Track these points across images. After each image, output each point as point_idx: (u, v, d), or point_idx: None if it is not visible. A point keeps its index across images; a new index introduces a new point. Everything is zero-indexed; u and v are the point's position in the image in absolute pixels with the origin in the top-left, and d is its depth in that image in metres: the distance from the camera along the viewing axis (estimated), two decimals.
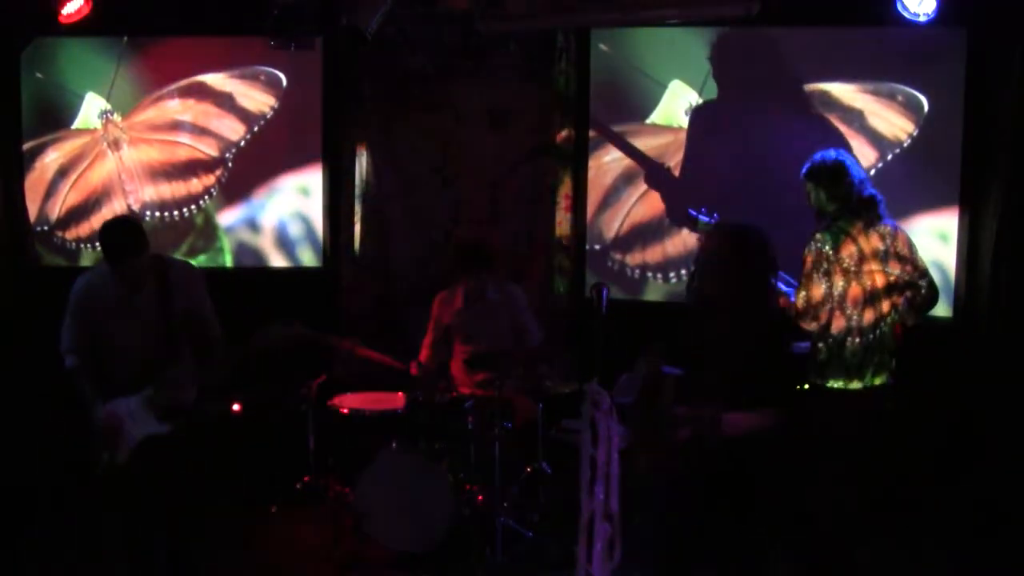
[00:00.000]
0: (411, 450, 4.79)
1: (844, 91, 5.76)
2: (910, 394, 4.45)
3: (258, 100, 6.43)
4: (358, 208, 6.32)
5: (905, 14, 5.23)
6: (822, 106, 5.77)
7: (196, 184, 6.50)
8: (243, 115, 6.44)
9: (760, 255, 3.43)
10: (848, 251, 4.03)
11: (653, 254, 6.16)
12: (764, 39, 5.81)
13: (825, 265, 4.03)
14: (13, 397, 5.83)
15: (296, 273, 6.42)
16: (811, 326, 4.06)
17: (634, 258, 6.17)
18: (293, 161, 6.44)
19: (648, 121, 6.05)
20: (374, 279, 6.35)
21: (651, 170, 6.07)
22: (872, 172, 5.61)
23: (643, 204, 6.14)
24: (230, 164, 6.47)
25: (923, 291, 4.10)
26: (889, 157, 5.73)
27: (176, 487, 3.91)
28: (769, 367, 3.28)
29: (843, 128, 5.76)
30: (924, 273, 4.11)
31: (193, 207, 6.50)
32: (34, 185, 6.51)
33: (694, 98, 5.96)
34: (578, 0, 5.58)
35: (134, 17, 6.13)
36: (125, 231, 3.84)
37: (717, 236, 3.62)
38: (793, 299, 4.13)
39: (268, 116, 6.42)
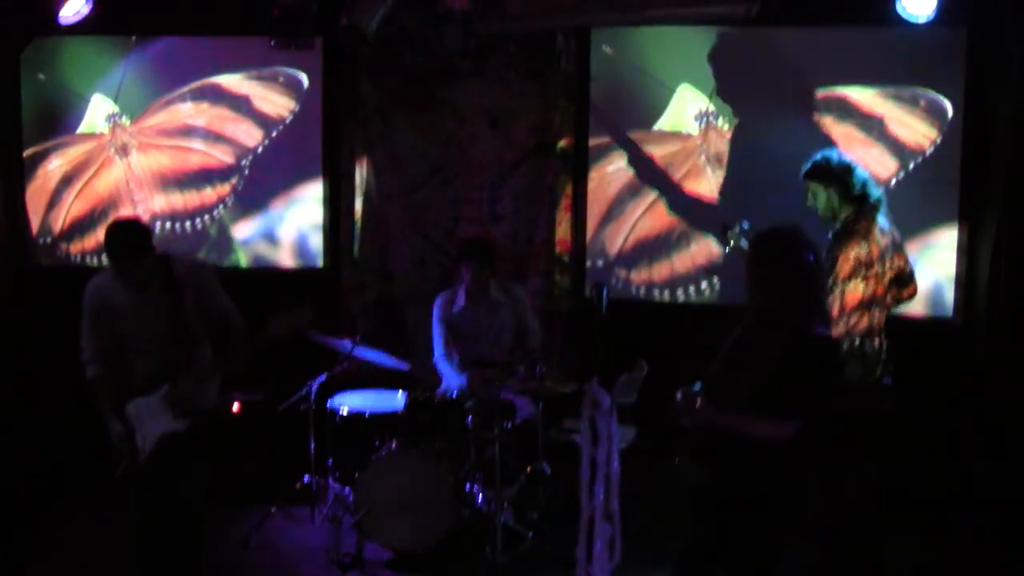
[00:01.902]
0: (411, 450, 4.79)
1: (863, 96, 5.58)
2: (910, 394, 4.46)
3: (277, 104, 6.14)
4: (358, 208, 6.32)
5: (904, 14, 5.22)
6: (840, 112, 5.61)
7: (210, 193, 6.21)
8: (261, 119, 6.14)
9: (788, 259, 3.15)
10: (876, 252, 4.06)
11: (660, 271, 5.95)
12: (767, 41, 5.74)
13: (864, 270, 4.02)
14: (12, 397, 5.83)
15: (299, 273, 6.34)
16: (839, 330, 3.96)
17: (639, 275, 5.97)
18: (310, 168, 6.20)
19: (655, 127, 5.92)
20: (374, 279, 6.35)
21: (659, 181, 5.87)
22: (893, 183, 5.52)
23: (649, 217, 5.95)
24: (246, 172, 6.18)
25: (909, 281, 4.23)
26: (911, 167, 5.55)
27: (189, 484, 3.92)
28: (794, 378, 3.05)
29: (861, 135, 5.58)
30: (908, 261, 4.27)
31: (207, 217, 6.23)
32: (36, 194, 6.22)
33: (704, 103, 5.84)
34: (578, 0, 5.57)
35: (135, 17, 6.02)
36: (128, 233, 3.84)
37: (752, 241, 3.43)
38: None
39: (287, 120, 6.14)
